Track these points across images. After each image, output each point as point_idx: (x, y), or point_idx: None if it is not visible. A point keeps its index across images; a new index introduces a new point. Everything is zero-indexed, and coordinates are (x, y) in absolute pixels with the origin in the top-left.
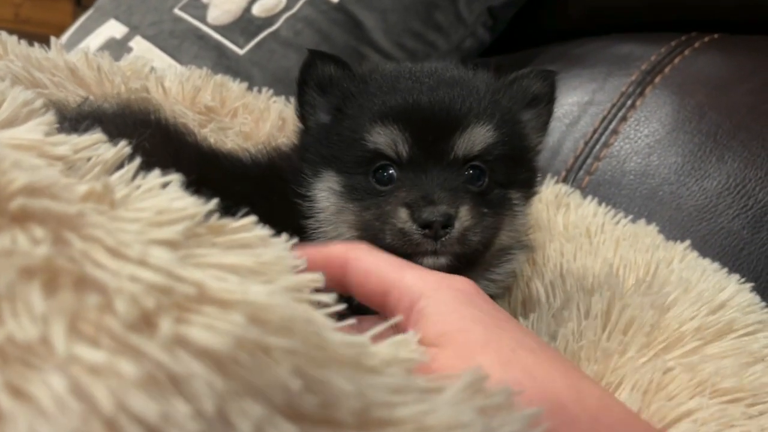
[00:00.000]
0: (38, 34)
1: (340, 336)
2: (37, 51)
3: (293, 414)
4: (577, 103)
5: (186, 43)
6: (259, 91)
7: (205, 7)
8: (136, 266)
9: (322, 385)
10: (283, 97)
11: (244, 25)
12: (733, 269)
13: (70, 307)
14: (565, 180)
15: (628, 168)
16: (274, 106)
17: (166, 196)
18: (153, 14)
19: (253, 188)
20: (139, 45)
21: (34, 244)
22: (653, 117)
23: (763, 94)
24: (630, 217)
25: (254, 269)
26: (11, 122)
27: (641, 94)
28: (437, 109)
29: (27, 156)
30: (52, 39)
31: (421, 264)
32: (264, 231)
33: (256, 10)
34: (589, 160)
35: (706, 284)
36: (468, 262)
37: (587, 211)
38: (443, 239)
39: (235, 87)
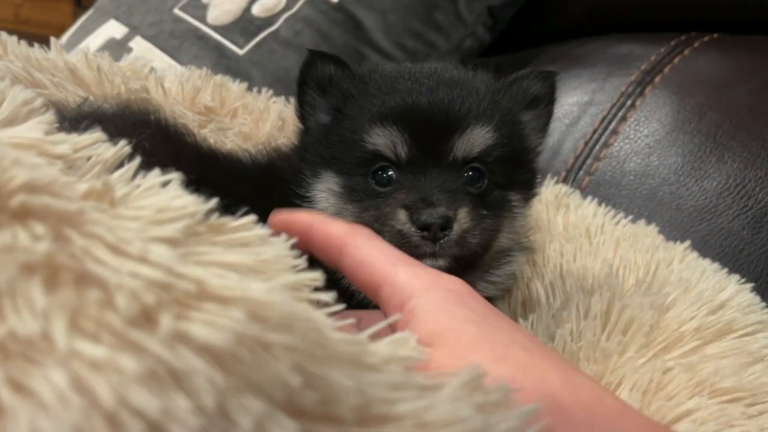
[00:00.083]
0: (38, 35)
1: (339, 334)
2: (36, 51)
3: (293, 410)
4: (576, 104)
5: (186, 44)
6: (259, 91)
7: (204, 7)
8: (136, 263)
9: (322, 382)
10: (282, 98)
11: (244, 25)
12: (733, 270)
13: (70, 302)
14: (564, 180)
15: (628, 168)
16: (273, 107)
17: (166, 195)
18: (153, 14)
19: (252, 189)
20: (139, 45)
21: (35, 241)
22: (653, 117)
23: (763, 94)
24: (630, 217)
25: (254, 267)
26: (11, 121)
27: (641, 94)
28: (436, 110)
29: (27, 154)
30: (52, 39)
31: None
32: (263, 230)
33: (256, 10)
34: (588, 161)
35: (706, 284)
36: (467, 264)
37: (587, 212)
38: (442, 241)
39: (235, 87)
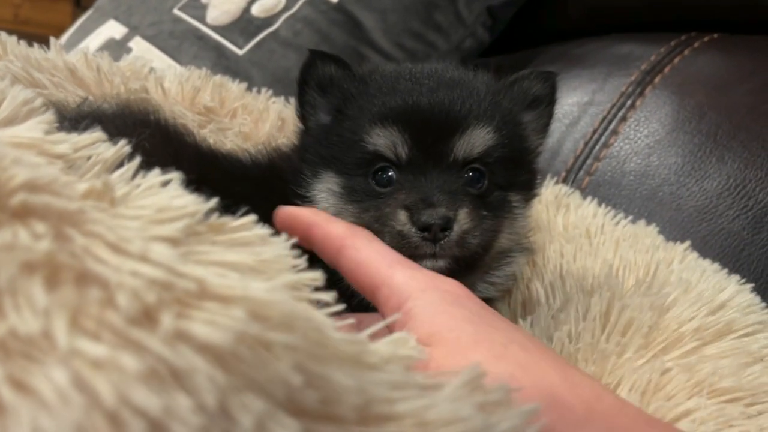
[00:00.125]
0: (38, 35)
1: (340, 333)
2: (36, 51)
3: (295, 409)
4: (576, 104)
5: (185, 44)
6: (259, 91)
7: (204, 7)
8: (137, 262)
9: (323, 381)
10: (282, 98)
11: (244, 25)
12: (733, 270)
13: (71, 301)
14: (564, 181)
15: (628, 168)
16: (273, 107)
17: (166, 194)
18: (152, 15)
19: (253, 188)
20: (139, 45)
21: (36, 240)
22: (653, 117)
23: (763, 94)
24: (630, 217)
25: (254, 267)
26: (11, 120)
27: (641, 94)
28: (437, 110)
29: (27, 154)
30: (52, 39)
31: None
32: (264, 230)
33: (256, 10)
34: (588, 161)
35: (706, 285)
36: (467, 265)
37: (587, 212)
38: (442, 242)
39: (235, 87)
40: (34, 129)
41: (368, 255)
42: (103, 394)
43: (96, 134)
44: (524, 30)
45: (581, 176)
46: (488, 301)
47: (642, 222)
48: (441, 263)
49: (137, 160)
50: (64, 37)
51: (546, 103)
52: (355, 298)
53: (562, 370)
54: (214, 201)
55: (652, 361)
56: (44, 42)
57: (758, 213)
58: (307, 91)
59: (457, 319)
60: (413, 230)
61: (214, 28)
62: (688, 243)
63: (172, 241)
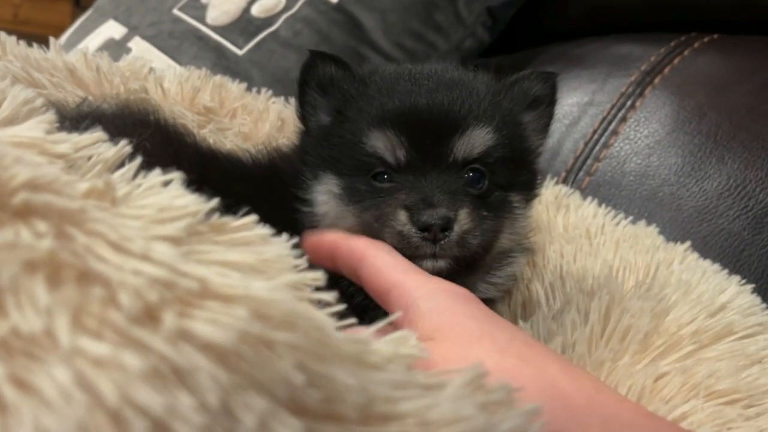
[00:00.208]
0: (37, 35)
1: (341, 332)
2: (36, 51)
3: (297, 408)
4: (576, 104)
5: (185, 44)
6: (258, 91)
7: (204, 7)
8: (139, 261)
9: (325, 380)
10: (282, 98)
11: (244, 25)
12: (733, 271)
13: (73, 300)
14: (565, 181)
15: (628, 169)
16: (273, 107)
17: (167, 194)
18: (152, 15)
19: (253, 188)
20: (138, 45)
21: (38, 238)
22: (653, 118)
23: (763, 94)
24: (630, 218)
25: (256, 267)
26: (12, 120)
27: (641, 94)
28: (436, 111)
29: (28, 153)
30: (51, 39)
31: (420, 267)
32: (265, 230)
33: (256, 10)
34: (589, 161)
35: (707, 286)
36: (468, 265)
37: (587, 212)
38: (442, 242)
39: (234, 87)
40: (34, 129)
41: (386, 262)
42: (106, 393)
43: (97, 134)
44: (524, 30)
45: (581, 177)
46: (489, 301)
47: (642, 222)
48: (441, 263)
49: (138, 160)
50: (64, 37)
51: (546, 103)
52: (355, 299)
53: (563, 365)
54: (215, 201)
55: (650, 365)
56: (44, 42)
57: (758, 213)
58: (307, 92)
59: (462, 315)
60: (413, 230)
61: (214, 29)
62: (688, 243)
63: (174, 241)
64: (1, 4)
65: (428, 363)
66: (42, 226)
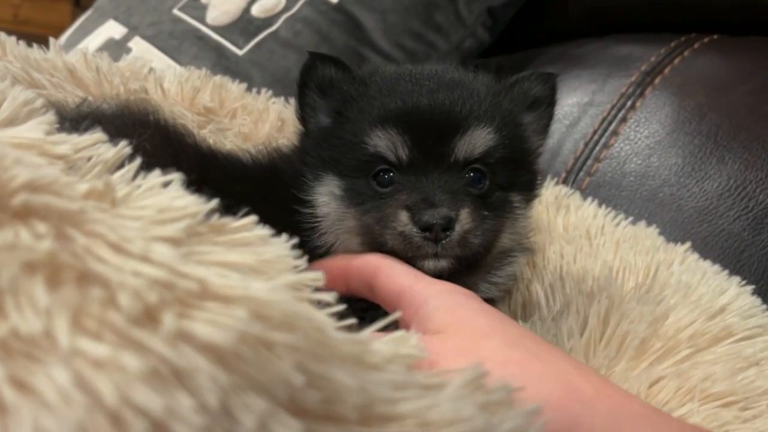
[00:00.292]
0: (37, 35)
1: (341, 333)
2: (35, 52)
3: (296, 409)
4: (576, 104)
5: (185, 44)
6: (258, 92)
7: (204, 7)
8: (138, 262)
9: (325, 381)
10: (282, 98)
11: (244, 25)
12: (734, 271)
13: (73, 301)
14: (565, 181)
15: (628, 169)
16: (273, 107)
17: (167, 195)
18: (152, 15)
19: (253, 189)
20: (138, 45)
21: (37, 239)
22: (653, 118)
23: (763, 95)
24: (630, 218)
25: (255, 267)
26: (12, 121)
27: (641, 95)
28: (437, 111)
29: (28, 155)
30: (51, 40)
31: (422, 267)
32: (264, 230)
33: (256, 10)
34: (589, 162)
35: (707, 288)
36: (469, 265)
37: (587, 213)
38: (444, 242)
39: (234, 88)
40: (34, 130)
41: (398, 270)
42: (105, 394)
43: (96, 135)
44: (524, 30)
45: (581, 177)
46: (490, 301)
47: (642, 223)
48: (443, 263)
49: (138, 161)
50: (64, 38)
51: (546, 104)
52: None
53: (571, 360)
54: (214, 202)
55: (648, 369)
56: (43, 42)
57: (759, 214)
58: (307, 94)
59: (474, 312)
60: (415, 230)
61: (214, 29)
62: (688, 244)
63: (174, 242)
64: (1, 4)
65: (440, 354)
66: (42, 227)
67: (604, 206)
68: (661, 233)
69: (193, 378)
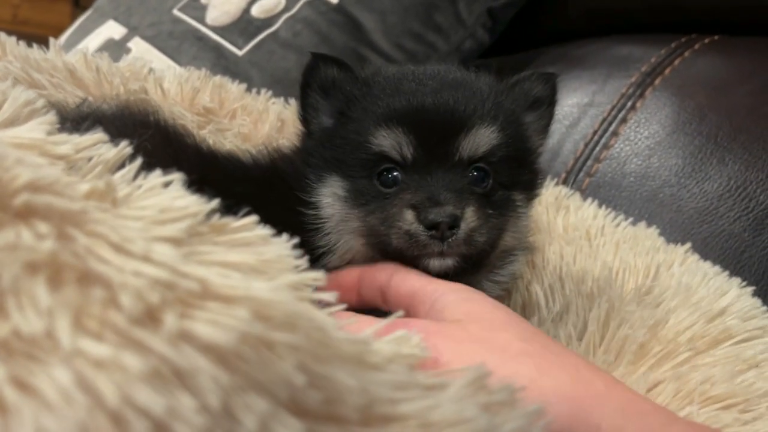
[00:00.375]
0: (37, 35)
1: (342, 333)
2: (35, 52)
3: (298, 409)
4: (577, 105)
5: (185, 44)
6: (258, 92)
7: (204, 8)
8: (140, 262)
9: (326, 381)
10: (282, 99)
11: (243, 26)
12: (734, 272)
13: (74, 301)
14: (565, 182)
15: (629, 170)
16: (272, 108)
17: (168, 195)
18: (152, 15)
19: (254, 189)
20: (138, 46)
21: (39, 240)
22: (653, 119)
23: (763, 95)
24: (630, 219)
25: (256, 267)
26: (12, 121)
27: (641, 95)
28: (441, 111)
29: (29, 155)
30: (51, 40)
31: (428, 265)
32: (265, 230)
33: (255, 11)
34: (589, 162)
35: (707, 290)
36: (474, 263)
37: (587, 214)
38: (450, 240)
39: (234, 88)
40: (35, 130)
41: (411, 274)
42: (106, 394)
43: (97, 135)
44: (524, 31)
45: (581, 177)
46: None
47: (642, 224)
48: (449, 261)
49: (139, 161)
50: (63, 38)
51: (547, 104)
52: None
53: (581, 357)
54: (215, 202)
55: (646, 373)
56: (43, 42)
57: (759, 215)
58: (309, 94)
59: (492, 305)
60: (421, 229)
61: (214, 29)
62: (688, 245)
63: (175, 242)
64: (1, 4)
65: (458, 340)
66: (43, 227)
67: (604, 207)
68: (661, 234)
69: (195, 378)
